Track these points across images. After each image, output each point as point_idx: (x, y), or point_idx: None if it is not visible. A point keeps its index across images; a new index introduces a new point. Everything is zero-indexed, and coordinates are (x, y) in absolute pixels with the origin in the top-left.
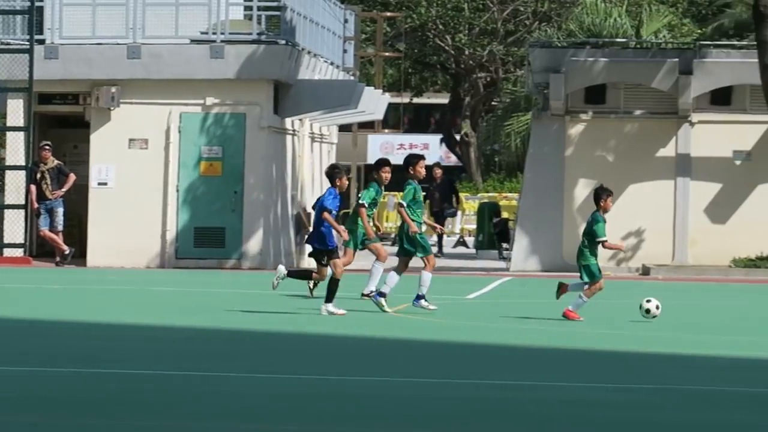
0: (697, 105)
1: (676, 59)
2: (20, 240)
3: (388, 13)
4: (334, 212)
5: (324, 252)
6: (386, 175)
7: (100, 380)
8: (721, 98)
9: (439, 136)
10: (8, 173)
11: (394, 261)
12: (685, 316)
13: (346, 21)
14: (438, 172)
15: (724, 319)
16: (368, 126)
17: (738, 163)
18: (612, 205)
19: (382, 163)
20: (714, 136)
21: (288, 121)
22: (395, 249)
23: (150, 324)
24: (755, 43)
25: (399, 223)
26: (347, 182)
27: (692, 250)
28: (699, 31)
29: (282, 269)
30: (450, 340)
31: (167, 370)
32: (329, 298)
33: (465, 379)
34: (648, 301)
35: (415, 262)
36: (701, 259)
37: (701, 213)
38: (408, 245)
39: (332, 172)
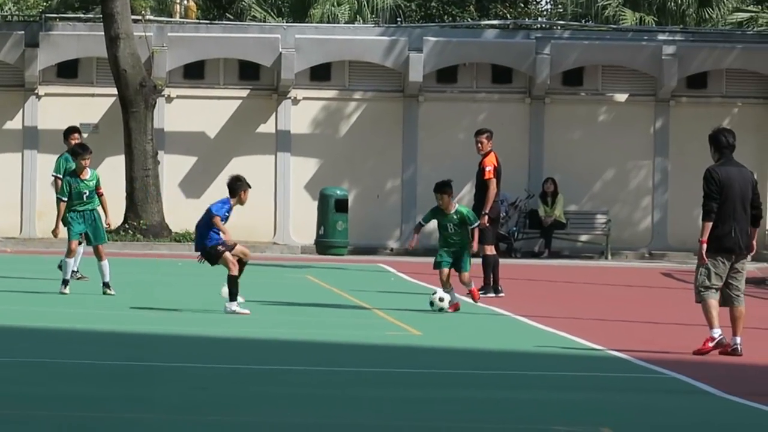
0: (44, 78)
1: (23, 32)
2: None
3: None
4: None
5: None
6: None
7: None
8: (75, 71)
9: None
10: None
11: None
12: (28, 288)
13: None
14: None
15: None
16: None
17: (86, 135)
18: None
19: None
20: (61, 108)
21: None
22: None
23: None
24: (101, 16)
25: None
26: None
27: (40, 223)
28: (45, 4)
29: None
30: None
31: None
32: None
33: None
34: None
35: None
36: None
37: (48, 185)
38: None
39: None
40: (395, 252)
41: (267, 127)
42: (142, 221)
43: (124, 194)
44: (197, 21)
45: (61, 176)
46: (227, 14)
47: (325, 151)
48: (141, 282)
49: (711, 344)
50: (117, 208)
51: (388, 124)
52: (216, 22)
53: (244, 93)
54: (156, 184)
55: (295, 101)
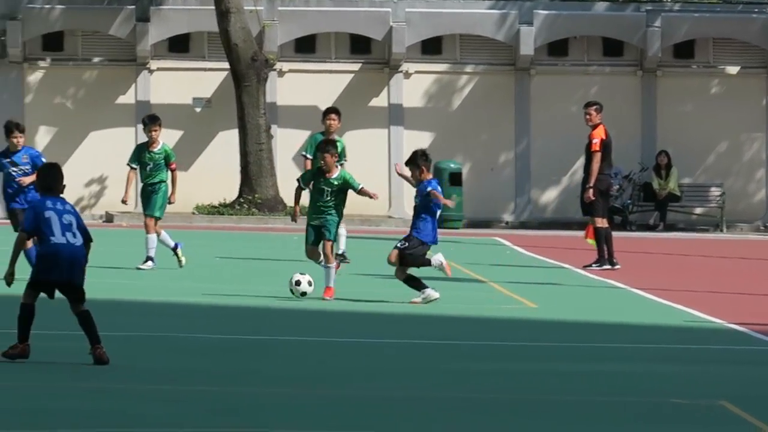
0: (155, 52)
1: (133, 7)
2: None
3: None
4: None
5: None
6: None
7: None
8: (180, 45)
9: None
10: None
11: None
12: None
13: None
14: None
15: (189, 263)
16: None
17: (198, 110)
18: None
19: None
20: (173, 83)
21: None
22: None
23: None
24: None
25: None
26: None
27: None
28: None
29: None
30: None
31: None
32: None
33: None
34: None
35: None
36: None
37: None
38: None
39: None
40: (510, 225)
41: (379, 101)
42: (256, 195)
43: (239, 168)
44: None
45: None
46: None
47: (437, 124)
48: (255, 256)
49: None
50: (232, 182)
51: (500, 97)
52: None
53: (356, 67)
54: (270, 158)
55: (407, 75)
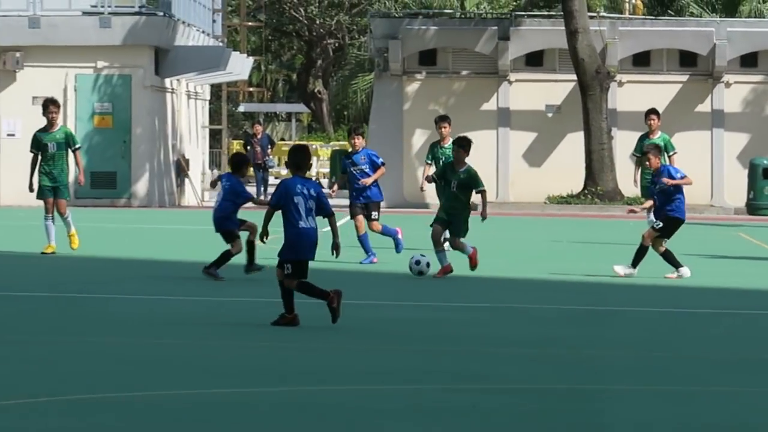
0: (513, 66)
1: (495, 27)
2: None
3: None
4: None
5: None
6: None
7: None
8: (535, 60)
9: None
10: None
11: None
12: (508, 245)
13: None
14: (258, 128)
15: (541, 246)
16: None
17: (550, 115)
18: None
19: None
20: (529, 92)
21: (167, 81)
22: None
23: (47, 253)
24: (562, 13)
25: None
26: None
27: (512, 190)
28: (514, 3)
29: None
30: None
31: (54, 292)
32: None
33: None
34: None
35: None
36: (521, 197)
37: (519, 158)
38: None
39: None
40: None
41: (703, 107)
42: (598, 187)
43: (584, 165)
44: (643, 17)
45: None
46: (668, 11)
47: (754, 127)
48: (596, 240)
49: None
50: (578, 176)
51: None
52: (659, 17)
53: (684, 78)
54: (610, 156)
55: (728, 85)
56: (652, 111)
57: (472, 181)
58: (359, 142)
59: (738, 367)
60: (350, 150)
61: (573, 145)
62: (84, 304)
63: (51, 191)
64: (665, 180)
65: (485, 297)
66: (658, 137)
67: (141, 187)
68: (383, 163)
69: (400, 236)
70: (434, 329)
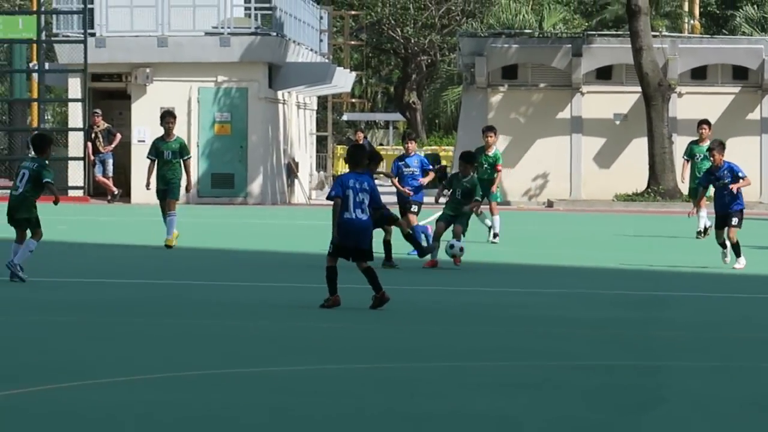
0: (585, 79)
1: (570, 45)
2: (80, 183)
3: (353, 12)
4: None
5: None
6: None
7: (119, 288)
8: (604, 74)
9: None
10: (70, 133)
11: None
12: (580, 237)
13: (321, 17)
14: (360, 135)
15: (609, 239)
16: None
17: (617, 123)
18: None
19: None
20: (599, 103)
21: (279, 93)
22: None
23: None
24: (629, 33)
25: None
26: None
27: (584, 189)
28: (586, 23)
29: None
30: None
31: (174, 280)
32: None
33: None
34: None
35: None
36: (592, 195)
37: (590, 160)
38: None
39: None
40: None
41: (753, 116)
42: (660, 187)
43: (647, 166)
44: (701, 36)
45: None
46: (723, 30)
47: None
48: (658, 234)
49: None
50: (642, 176)
51: None
52: (714, 36)
53: (736, 90)
54: (671, 159)
55: None
56: (704, 121)
57: (474, 191)
58: (412, 146)
59: None
60: (404, 153)
61: (638, 149)
62: (200, 290)
63: (163, 192)
64: (732, 187)
65: (558, 283)
66: (706, 145)
67: (256, 187)
68: (432, 168)
69: (429, 231)
70: (510, 311)
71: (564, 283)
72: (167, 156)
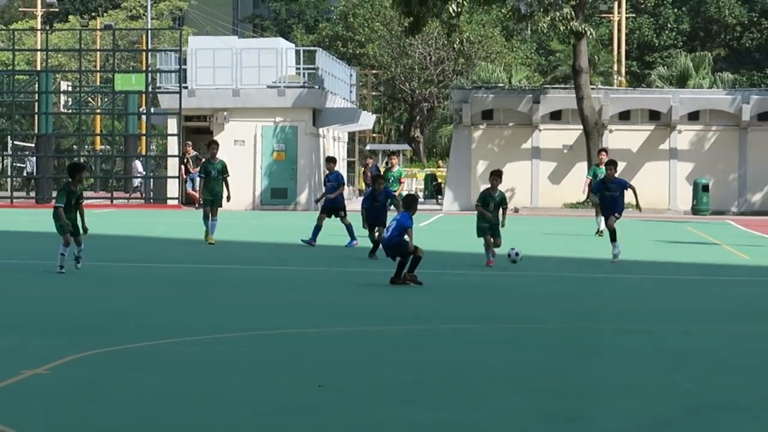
0: (542, 120)
1: (531, 95)
2: (176, 195)
3: (374, 71)
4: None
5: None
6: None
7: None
8: (556, 116)
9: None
10: (168, 158)
11: None
12: (538, 234)
13: (351, 74)
14: (369, 160)
15: (560, 236)
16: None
17: (565, 152)
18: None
19: None
20: (552, 137)
21: (320, 129)
22: None
23: (241, 240)
24: (574, 86)
25: None
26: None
27: (542, 199)
28: (543, 79)
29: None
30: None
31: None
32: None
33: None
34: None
35: None
36: (547, 204)
37: (546, 178)
38: None
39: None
40: None
41: (664, 146)
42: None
43: (585, 183)
44: (626, 88)
45: None
46: (642, 84)
47: (696, 158)
48: (592, 233)
49: None
50: (582, 190)
51: None
52: (636, 88)
53: (651, 127)
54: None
55: (679, 132)
56: (603, 149)
57: (503, 202)
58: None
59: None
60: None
61: (580, 171)
62: (266, 273)
63: (210, 202)
64: (630, 189)
65: (522, 267)
66: (603, 168)
67: (303, 197)
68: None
69: (354, 243)
70: (488, 289)
71: (527, 267)
72: (213, 174)
